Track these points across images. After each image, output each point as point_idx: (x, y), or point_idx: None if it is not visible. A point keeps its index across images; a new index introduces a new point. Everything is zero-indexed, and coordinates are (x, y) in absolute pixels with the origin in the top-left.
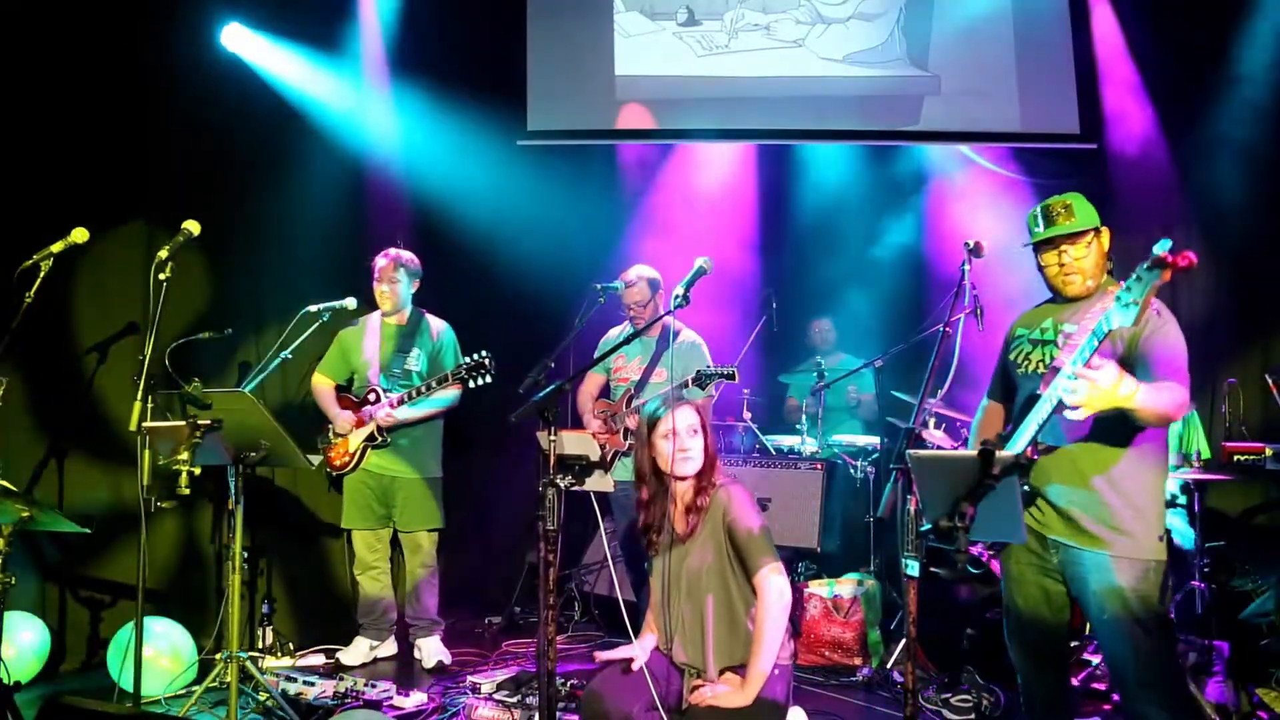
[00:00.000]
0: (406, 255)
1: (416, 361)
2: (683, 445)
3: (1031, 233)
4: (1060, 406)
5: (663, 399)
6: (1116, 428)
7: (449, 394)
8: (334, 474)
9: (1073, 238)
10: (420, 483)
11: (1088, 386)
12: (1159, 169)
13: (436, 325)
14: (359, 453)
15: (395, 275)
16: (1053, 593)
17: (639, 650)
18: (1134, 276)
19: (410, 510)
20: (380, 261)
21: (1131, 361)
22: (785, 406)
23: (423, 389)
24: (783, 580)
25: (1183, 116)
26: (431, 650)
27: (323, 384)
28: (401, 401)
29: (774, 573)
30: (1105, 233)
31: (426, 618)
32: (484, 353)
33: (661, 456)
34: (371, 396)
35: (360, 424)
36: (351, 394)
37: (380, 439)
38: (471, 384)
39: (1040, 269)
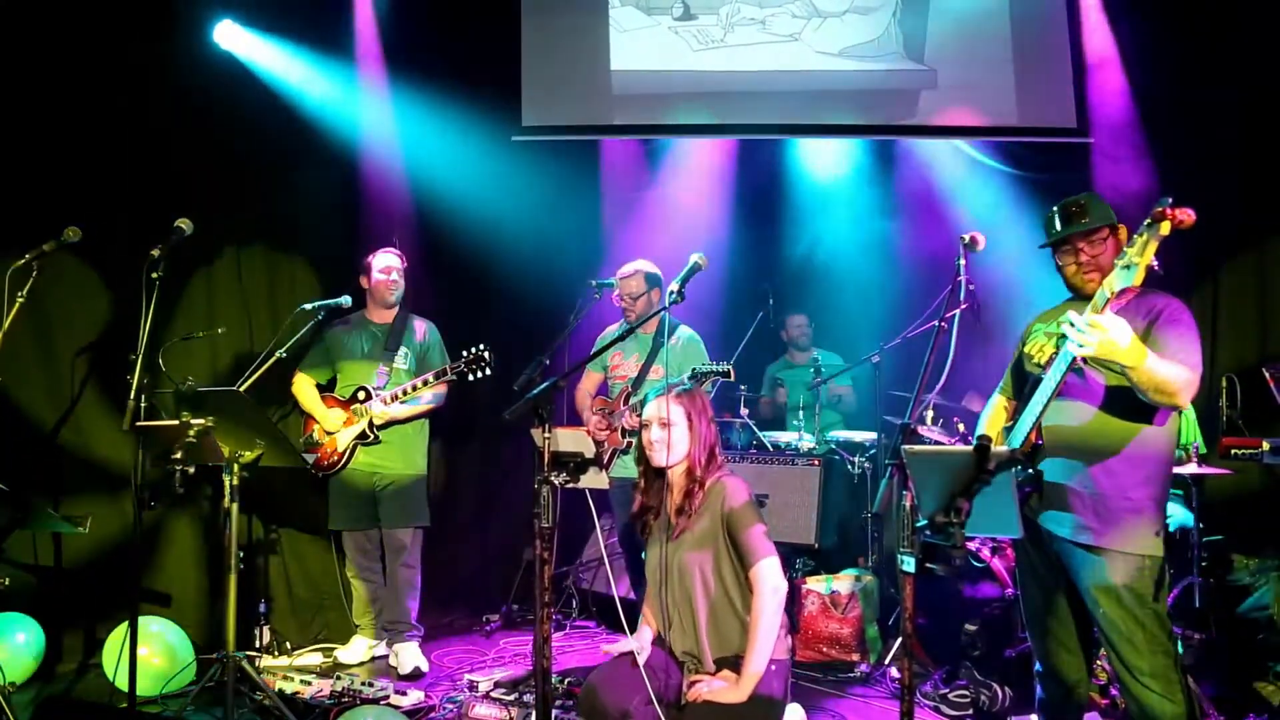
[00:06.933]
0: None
1: (404, 360)
2: (649, 438)
3: (1049, 234)
4: (1065, 384)
5: (655, 393)
6: (1120, 415)
7: (438, 392)
8: (320, 474)
9: (1089, 237)
10: (407, 478)
11: (1098, 333)
12: (1156, 165)
13: (422, 325)
14: (349, 451)
15: (400, 276)
16: (1054, 583)
17: (640, 644)
18: (1135, 235)
19: (396, 505)
20: (388, 260)
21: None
22: (759, 403)
23: (419, 383)
24: (776, 575)
25: (1180, 113)
26: (408, 657)
27: (306, 383)
28: (395, 398)
29: (768, 567)
30: (1122, 230)
31: (405, 621)
32: (482, 345)
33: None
34: (361, 395)
35: (351, 422)
36: (334, 394)
37: (372, 436)
38: (471, 377)
39: (1059, 270)
